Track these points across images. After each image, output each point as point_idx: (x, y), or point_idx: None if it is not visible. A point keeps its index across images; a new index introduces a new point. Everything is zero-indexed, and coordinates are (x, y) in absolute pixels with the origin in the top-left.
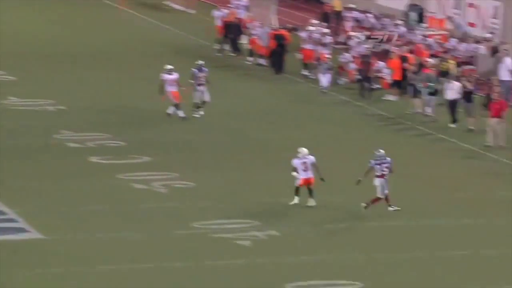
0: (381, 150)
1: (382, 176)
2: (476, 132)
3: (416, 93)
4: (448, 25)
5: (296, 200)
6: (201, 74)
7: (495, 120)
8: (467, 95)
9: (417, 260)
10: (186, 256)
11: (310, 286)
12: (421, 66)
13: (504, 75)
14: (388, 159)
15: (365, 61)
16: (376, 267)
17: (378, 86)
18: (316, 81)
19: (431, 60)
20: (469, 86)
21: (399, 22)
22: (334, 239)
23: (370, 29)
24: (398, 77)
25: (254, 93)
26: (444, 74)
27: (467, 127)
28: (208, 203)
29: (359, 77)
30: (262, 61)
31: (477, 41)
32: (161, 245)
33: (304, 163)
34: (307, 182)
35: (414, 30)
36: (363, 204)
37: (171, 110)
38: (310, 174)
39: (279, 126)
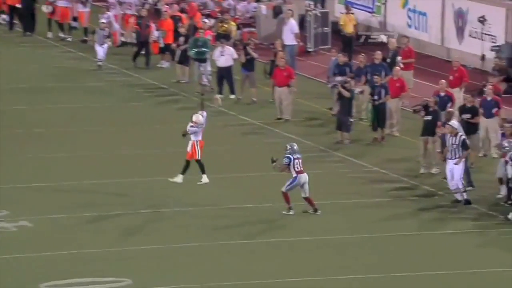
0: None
1: (302, 171)
2: (260, 104)
3: (184, 60)
4: None
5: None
6: None
7: (281, 90)
8: (248, 63)
9: (190, 250)
10: None
11: (68, 285)
12: (196, 28)
13: (288, 39)
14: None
15: (142, 23)
16: (147, 262)
17: (150, 51)
18: (71, 45)
19: (207, 21)
20: (250, 52)
21: None
22: (92, 227)
23: None
24: (171, 40)
25: None
26: (223, 37)
27: (251, 98)
28: None
29: (124, 39)
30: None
31: (258, 0)
32: None
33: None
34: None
35: None
36: (309, 211)
37: None
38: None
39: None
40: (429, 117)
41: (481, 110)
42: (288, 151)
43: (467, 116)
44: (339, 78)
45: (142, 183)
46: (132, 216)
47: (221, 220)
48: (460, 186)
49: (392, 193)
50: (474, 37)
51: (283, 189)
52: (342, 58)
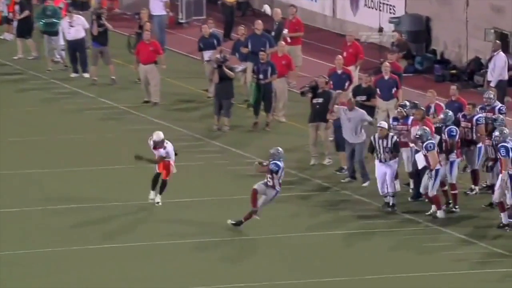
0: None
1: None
2: (122, 85)
3: (25, 31)
4: None
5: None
6: None
7: (147, 67)
8: (100, 35)
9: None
10: None
11: None
12: None
13: (156, 8)
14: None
15: None
16: None
17: None
18: None
19: None
20: (104, 23)
21: None
22: None
23: None
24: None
25: None
26: (80, 6)
27: (110, 77)
28: None
29: None
30: None
31: None
32: None
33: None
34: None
35: None
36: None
37: None
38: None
39: None
40: (319, 100)
41: (379, 93)
42: (276, 156)
43: (362, 98)
44: (209, 53)
45: None
46: None
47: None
48: (391, 190)
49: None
50: (371, 8)
51: (258, 208)
52: (206, 30)
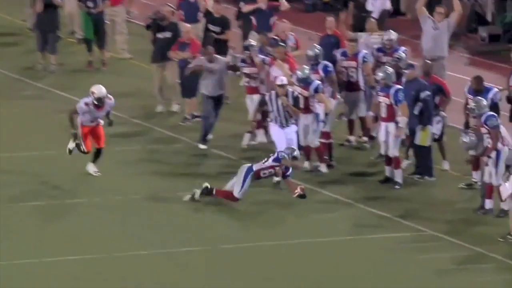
0: None
1: None
2: None
3: None
4: None
5: None
6: None
7: None
8: None
9: None
10: None
11: None
12: None
13: None
14: None
15: None
16: None
17: None
18: None
19: None
20: None
21: None
22: None
23: None
24: None
25: None
26: None
27: None
28: None
29: None
30: None
31: None
32: None
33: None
34: None
35: None
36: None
37: None
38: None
39: None
40: (166, 35)
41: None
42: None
43: (216, 29)
44: None
45: None
46: None
47: None
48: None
49: (118, 140)
50: None
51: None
52: None
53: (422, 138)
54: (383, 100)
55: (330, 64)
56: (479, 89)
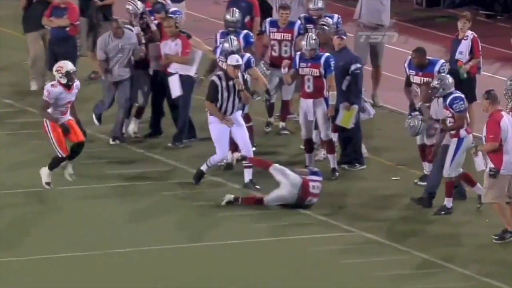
0: None
1: None
2: None
3: None
4: None
5: None
6: None
7: None
8: None
9: None
10: None
11: None
12: None
13: None
14: None
15: None
16: None
17: None
18: None
19: None
20: None
21: None
22: None
23: None
24: None
25: None
26: None
27: None
28: None
29: None
30: None
31: None
32: None
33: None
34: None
35: None
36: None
37: None
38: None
39: None
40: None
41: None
42: None
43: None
44: None
45: None
46: None
47: None
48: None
49: None
50: None
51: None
52: None
53: (345, 118)
54: (309, 71)
55: (251, 34)
56: (422, 62)
